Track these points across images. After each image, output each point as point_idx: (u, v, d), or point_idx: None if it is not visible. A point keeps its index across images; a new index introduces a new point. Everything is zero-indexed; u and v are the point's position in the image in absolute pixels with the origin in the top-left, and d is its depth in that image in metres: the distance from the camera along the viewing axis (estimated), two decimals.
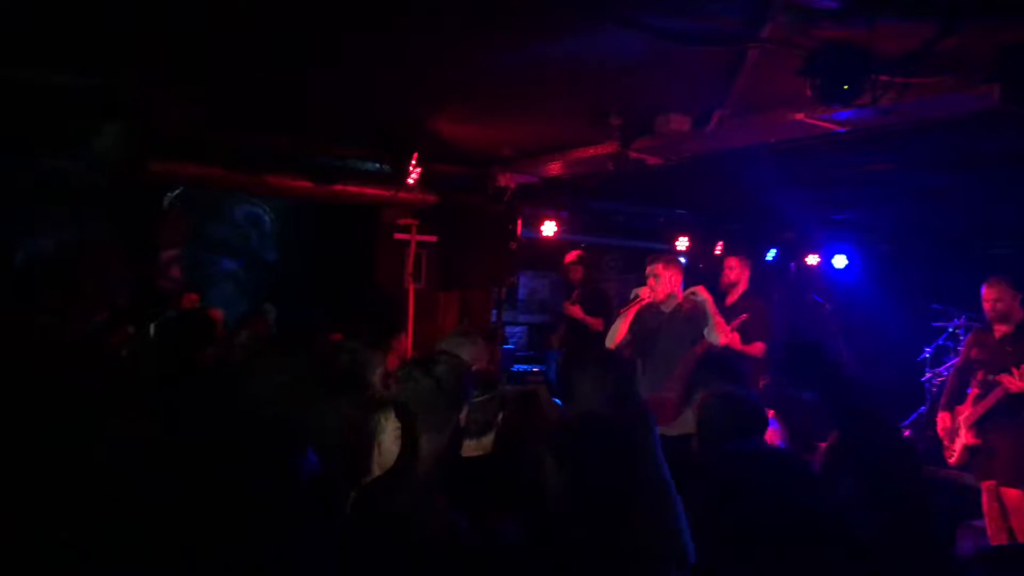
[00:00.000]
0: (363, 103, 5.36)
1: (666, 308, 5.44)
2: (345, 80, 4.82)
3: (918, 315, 8.71)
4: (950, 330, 8.40)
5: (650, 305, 5.42)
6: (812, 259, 9.42)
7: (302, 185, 6.59)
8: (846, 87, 3.38)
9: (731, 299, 6.46)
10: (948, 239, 9.60)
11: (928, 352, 8.53)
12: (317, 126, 6.04)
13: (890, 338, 8.86)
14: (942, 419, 5.38)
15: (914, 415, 8.33)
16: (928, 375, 8.39)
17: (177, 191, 6.87)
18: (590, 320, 7.43)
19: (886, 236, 9.87)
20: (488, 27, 3.88)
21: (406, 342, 5.79)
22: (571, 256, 7.92)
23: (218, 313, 6.47)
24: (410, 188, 6.60)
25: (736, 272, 6.52)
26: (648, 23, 3.65)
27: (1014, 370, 4.80)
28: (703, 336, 5.22)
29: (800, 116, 4.57)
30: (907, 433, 8.23)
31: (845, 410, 2.42)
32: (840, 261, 9.39)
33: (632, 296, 5.42)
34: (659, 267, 5.45)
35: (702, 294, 5.31)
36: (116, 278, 6.35)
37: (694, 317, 5.29)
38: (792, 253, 9.52)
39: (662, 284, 5.39)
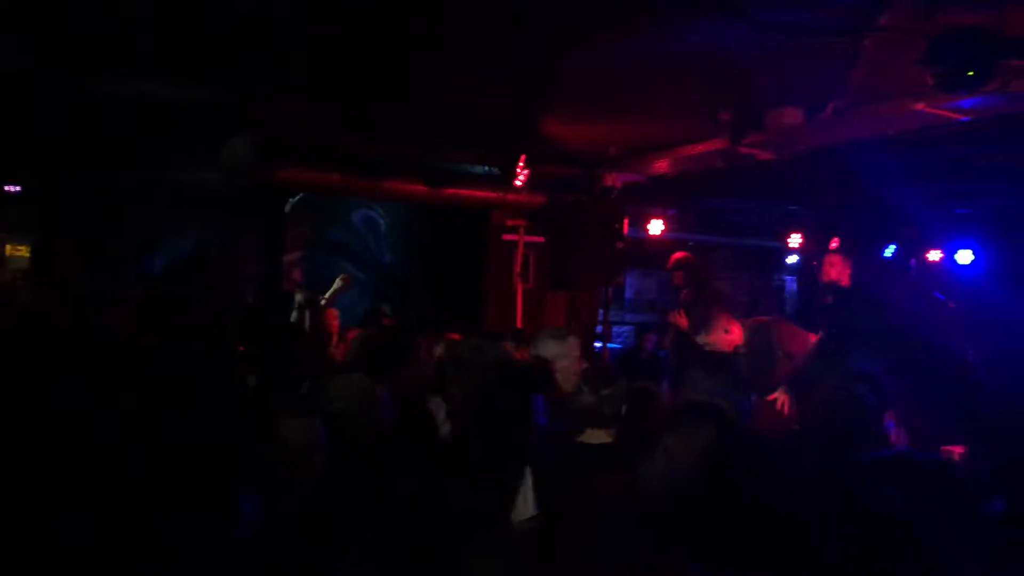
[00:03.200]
0: (473, 107, 5.50)
1: None
2: (456, 84, 4.96)
3: None
4: None
5: None
6: (934, 255, 9.01)
7: (416, 189, 6.83)
8: (971, 73, 3.26)
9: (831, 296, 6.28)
10: None
11: None
12: (429, 132, 6.24)
13: (1021, 337, 8.38)
14: None
15: None
16: None
17: (298, 197, 7.22)
18: None
19: (1014, 230, 9.34)
20: (600, 24, 3.91)
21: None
22: (671, 260, 7.67)
23: (335, 313, 6.76)
24: (518, 190, 6.72)
25: (837, 269, 6.30)
26: (763, 16, 3.62)
27: None
28: None
29: (920, 106, 4.42)
30: None
31: (991, 415, 2.24)
32: (964, 257, 8.95)
33: None
34: None
35: None
36: (244, 280, 6.74)
37: None
38: (912, 249, 9.13)
39: None
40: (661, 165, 6.68)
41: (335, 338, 6.47)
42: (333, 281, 5.91)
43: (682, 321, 7.32)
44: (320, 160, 6.47)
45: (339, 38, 4.19)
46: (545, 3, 3.65)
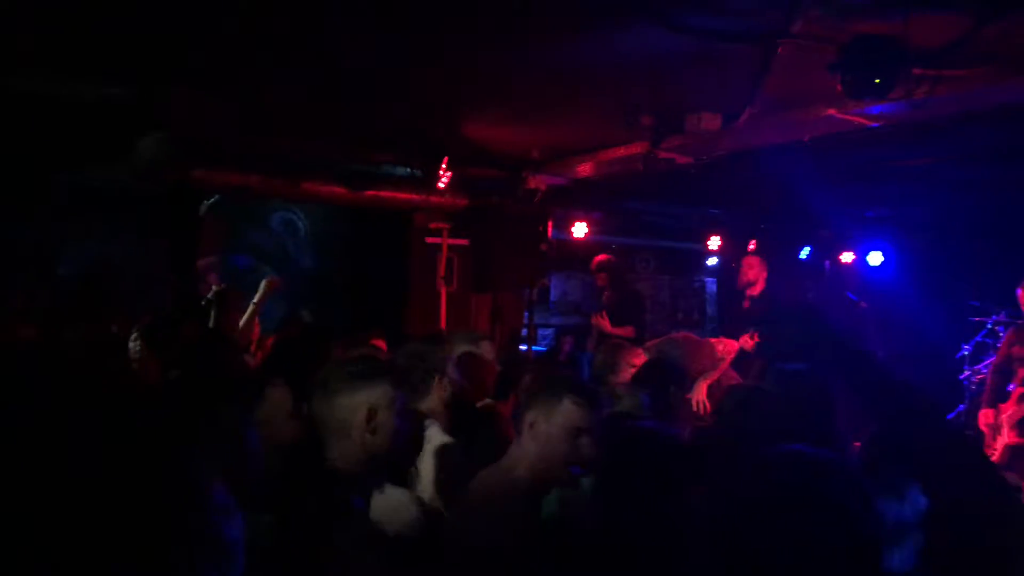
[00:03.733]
0: (395, 108, 5.43)
1: None
2: (378, 85, 4.88)
3: (956, 312, 8.58)
4: (988, 327, 8.26)
5: None
6: (847, 257, 9.33)
7: (336, 191, 6.69)
8: (878, 81, 3.36)
9: (750, 297, 6.47)
10: (986, 235, 9.45)
11: (967, 350, 8.39)
12: (350, 133, 6.13)
13: (927, 336, 8.73)
14: (984, 415, 5.32)
15: (952, 413, 8.20)
16: (967, 373, 8.26)
17: (213, 199, 6.98)
18: (618, 331, 7.13)
19: (922, 232, 9.74)
20: (521, 28, 3.90)
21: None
22: (594, 263, 7.69)
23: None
24: (441, 192, 6.66)
25: (755, 271, 6.49)
26: (680, 21, 3.65)
27: None
28: None
29: (832, 111, 4.54)
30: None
31: (895, 407, 2.24)
32: (875, 258, 9.28)
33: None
34: None
35: None
36: (156, 285, 6.49)
37: None
38: (826, 251, 9.43)
39: None
40: (584, 168, 6.72)
41: (253, 345, 6.29)
42: (250, 285, 5.72)
43: (604, 323, 7.42)
44: (237, 161, 6.27)
45: (253, 33, 4.06)
46: (465, 6, 3.62)
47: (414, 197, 6.89)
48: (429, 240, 7.21)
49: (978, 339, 8.34)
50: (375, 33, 4.00)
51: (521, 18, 3.75)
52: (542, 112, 5.50)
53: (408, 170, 6.89)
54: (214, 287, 5.55)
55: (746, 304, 6.49)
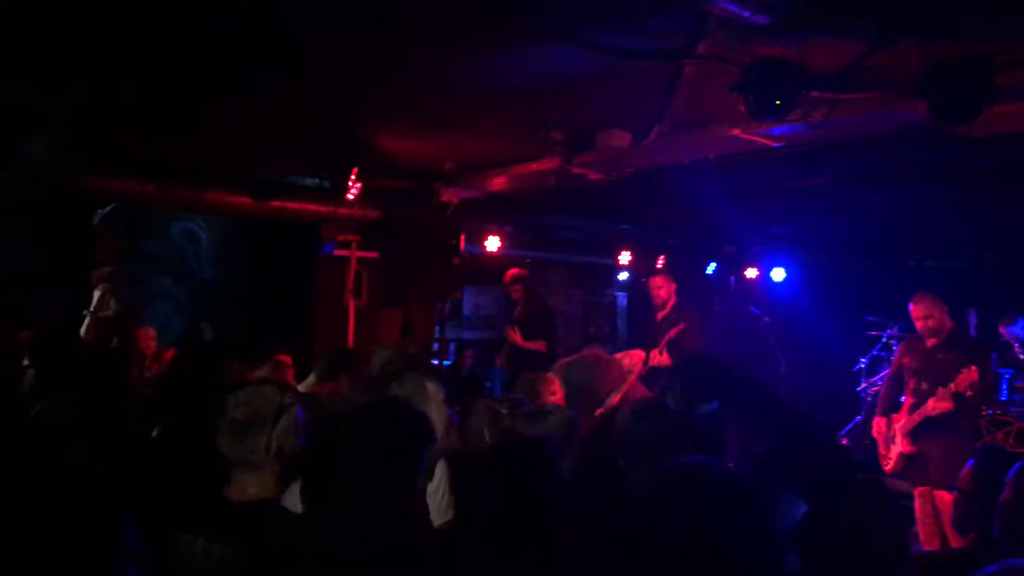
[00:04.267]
0: (302, 118, 5.29)
1: None
2: (282, 92, 4.74)
3: (854, 326, 8.93)
4: (884, 340, 8.62)
5: None
6: (751, 272, 9.59)
7: (240, 201, 6.47)
8: (778, 103, 3.44)
9: (662, 314, 6.60)
10: (882, 252, 9.89)
11: (863, 362, 8.74)
12: (255, 142, 5.94)
13: (827, 349, 9.06)
14: (877, 424, 5.49)
15: (851, 424, 8.52)
16: (864, 385, 8.59)
17: (108, 208, 6.66)
18: (530, 345, 7.19)
19: (823, 249, 10.12)
20: (431, 41, 3.85)
21: None
22: (507, 276, 7.67)
23: (151, 332, 6.29)
24: (350, 204, 6.52)
25: (664, 290, 6.64)
26: (588, 39, 3.67)
27: (940, 389, 4.93)
28: None
29: (736, 131, 4.65)
30: (844, 443, 8.42)
31: (782, 427, 2.40)
32: (778, 274, 9.59)
33: None
34: None
35: None
36: (47, 296, 6.13)
37: None
38: (732, 267, 9.68)
39: None
40: (498, 182, 6.70)
41: (148, 361, 6.02)
42: (147, 298, 5.48)
43: (516, 337, 7.42)
44: (133, 167, 6.00)
45: (149, 35, 3.87)
46: (370, 17, 3.54)
47: (322, 208, 6.73)
48: (337, 253, 7.04)
49: (874, 352, 8.70)
50: (277, 39, 3.88)
51: (431, 32, 3.70)
52: (455, 125, 5.45)
53: (316, 181, 6.73)
54: (111, 300, 5.30)
55: (660, 317, 6.62)
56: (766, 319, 9.14)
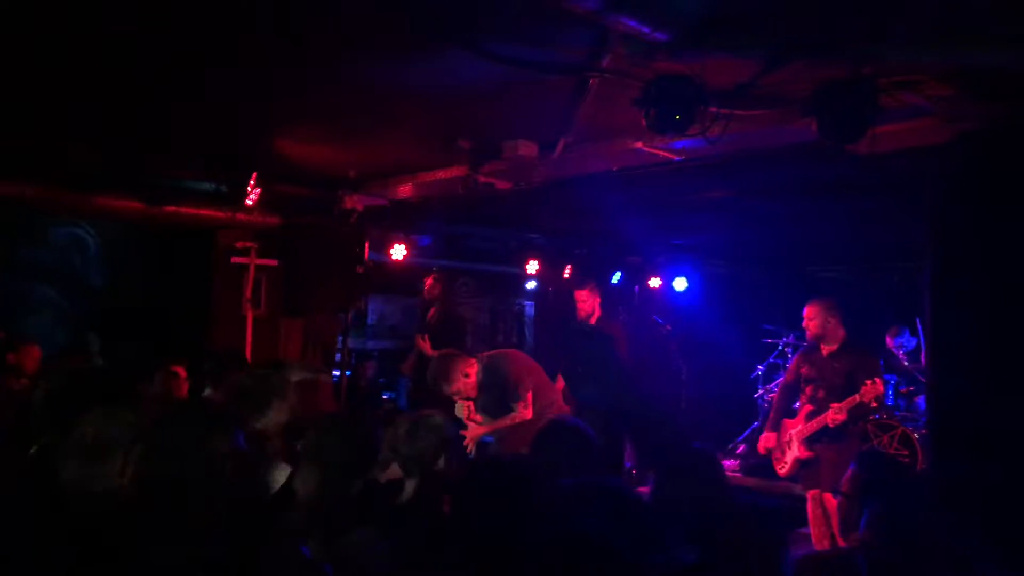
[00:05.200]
0: (199, 121, 5.09)
1: None
2: (174, 91, 4.55)
3: (751, 334, 9.21)
4: (780, 348, 8.92)
5: None
6: (654, 282, 9.78)
7: (131, 206, 6.17)
8: (678, 117, 3.50)
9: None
10: (779, 263, 10.27)
11: (760, 370, 9.01)
12: (149, 144, 5.67)
13: (726, 357, 9.32)
14: (766, 439, 5.65)
15: (748, 430, 8.78)
16: (760, 391, 8.86)
17: None
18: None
19: (723, 260, 10.42)
20: (331, 46, 3.77)
21: None
22: (427, 283, 7.73)
23: (34, 349, 5.89)
24: (249, 210, 6.31)
25: (589, 303, 6.65)
26: (492, 49, 3.66)
27: (833, 406, 5.12)
28: None
29: (639, 144, 4.74)
30: (741, 448, 8.67)
31: (664, 444, 2.58)
32: (680, 284, 9.80)
33: None
34: None
35: None
36: None
37: None
38: (636, 276, 9.85)
39: None
40: (404, 189, 6.61)
41: (29, 372, 5.67)
42: (26, 308, 5.14)
43: (426, 346, 7.34)
44: (9, 168, 5.62)
45: (35, 29, 3.64)
46: (269, 21, 3.43)
47: (219, 214, 6.48)
48: (235, 260, 6.80)
49: (771, 360, 8.99)
50: (173, 38, 3.71)
51: (328, 35, 3.62)
52: (359, 132, 5.35)
53: (212, 185, 6.48)
54: None
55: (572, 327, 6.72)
56: (668, 327, 9.34)
